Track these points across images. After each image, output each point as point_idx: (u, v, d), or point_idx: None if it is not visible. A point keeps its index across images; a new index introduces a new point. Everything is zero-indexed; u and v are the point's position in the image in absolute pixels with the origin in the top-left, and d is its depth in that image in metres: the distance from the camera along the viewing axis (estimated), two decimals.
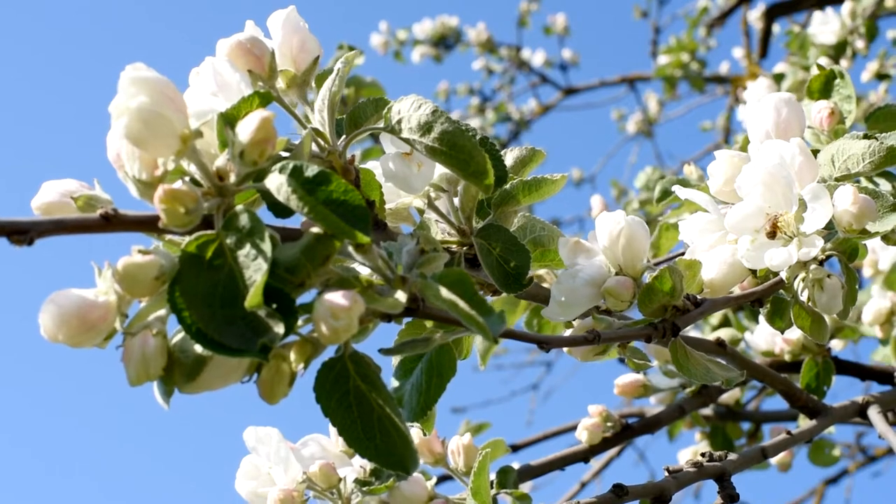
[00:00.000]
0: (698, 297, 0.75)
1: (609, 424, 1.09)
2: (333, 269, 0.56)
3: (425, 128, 0.64)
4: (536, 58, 4.33)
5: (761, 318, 0.81)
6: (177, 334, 0.55)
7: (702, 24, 3.87)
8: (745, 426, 1.41)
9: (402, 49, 3.83)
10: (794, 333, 1.15)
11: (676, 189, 0.80)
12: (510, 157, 0.76)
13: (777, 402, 1.45)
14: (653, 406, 1.31)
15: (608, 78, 4.23)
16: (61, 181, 0.62)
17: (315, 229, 0.55)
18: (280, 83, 0.69)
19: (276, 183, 0.54)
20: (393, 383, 0.69)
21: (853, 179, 0.79)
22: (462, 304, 0.53)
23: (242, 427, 0.76)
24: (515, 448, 1.36)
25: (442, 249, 0.59)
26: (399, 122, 0.65)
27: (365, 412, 0.56)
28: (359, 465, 0.81)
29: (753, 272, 0.77)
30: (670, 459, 1.38)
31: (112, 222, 0.53)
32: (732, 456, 0.89)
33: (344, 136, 0.69)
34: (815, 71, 0.96)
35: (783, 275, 0.74)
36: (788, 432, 0.98)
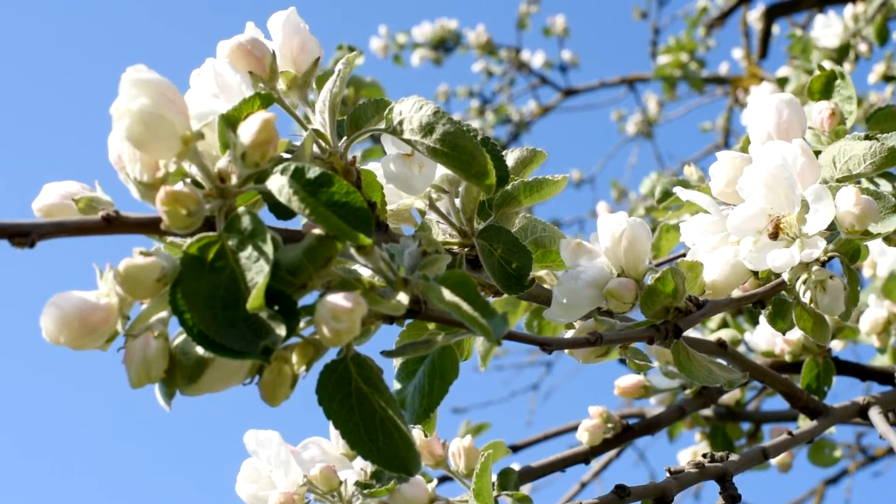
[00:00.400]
0: (700, 298, 0.75)
1: (609, 425, 1.09)
2: (335, 270, 0.56)
3: (427, 129, 0.64)
4: (536, 59, 4.33)
5: (761, 318, 0.81)
6: (178, 336, 0.55)
7: (701, 24, 3.87)
8: (746, 427, 1.41)
9: (401, 52, 3.82)
10: (795, 334, 1.15)
11: (678, 190, 0.80)
12: (511, 158, 0.76)
13: (777, 403, 1.45)
14: (653, 407, 1.31)
15: (608, 79, 4.24)
16: (62, 183, 0.62)
17: (317, 231, 0.55)
18: (281, 84, 0.69)
19: (278, 185, 0.54)
20: (395, 385, 0.69)
21: (855, 180, 0.79)
22: (465, 305, 0.53)
23: (243, 430, 0.76)
24: (515, 449, 1.36)
25: (444, 251, 0.58)
26: (400, 123, 0.65)
27: (367, 414, 0.56)
28: (359, 468, 0.81)
29: (755, 273, 0.77)
30: (670, 460, 1.38)
31: (113, 224, 0.53)
32: (734, 457, 0.89)
33: (345, 138, 0.69)
34: (817, 73, 0.96)
35: (785, 276, 0.74)
36: (789, 433, 0.98)
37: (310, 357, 0.56)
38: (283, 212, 0.58)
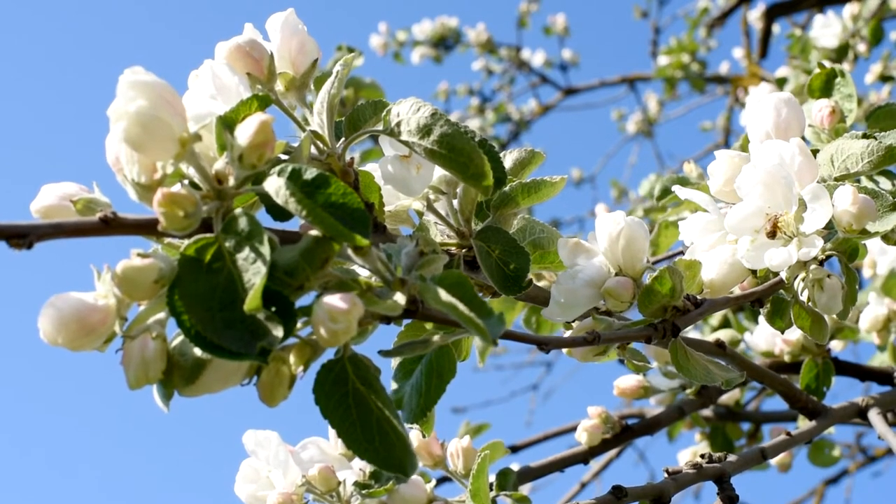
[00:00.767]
0: (698, 297, 0.75)
1: (608, 426, 1.09)
2: (332, 271, 0.56)
3: (424, 130, 0.64)
4: (536, 58, 4.33)
5: (761, 318, 0.81)
6: (176, 337, 0.55)
7: (702, 24, 3.87)
8: (745, 427, 1.41)
9: (401, 50, 3.83)
10: (794, 334, 1.15)
11: (676, 188, 0.80)
12: (509, 159, 0.76)
13: (777, 403, 1.45)
14: (652, 407, 1.31)
15: (608, 78, 4.23)
16: (60, 184, 0.62)
17: (314, 232, 0.55)
18: (279, 86, 0.69)
19: (275, 186, 0.54)
20: (392, 385, 0.69)
21: (853, 179, 0.79)
22: (461, 306, 0.53)
23: (242, 430, 0.77)
24: (515, 449, 1.36)
25: (441, 251, 0.59)
26: (398, 124, 0.65)
27: (364, 414, 0.56)
28: (358, 468, 0.81)
29: (753, 272, 0.77)
30: (670, 460, 1.38)
31: (111, 226, 0.53)
32: (732, 457, 0.89)
33: (343, 139, 0.69)
34: (816, 71, 0.96)
35: (783, 275, 0.74)
36: (788, 433, 0.98)
37: (307, 357, 0.56)
38: (280, 213, 0.59)
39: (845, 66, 1.91)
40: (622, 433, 1.10)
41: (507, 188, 0.73)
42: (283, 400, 0.56)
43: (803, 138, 0.78)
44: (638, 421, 1.15)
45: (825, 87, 0.96)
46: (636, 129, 4.49)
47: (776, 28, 3.54)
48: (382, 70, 5.00)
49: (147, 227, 0.54)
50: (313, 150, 0.67)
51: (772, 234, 0.72)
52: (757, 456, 0.92)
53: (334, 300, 0.52)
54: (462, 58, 4.13)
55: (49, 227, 0.52)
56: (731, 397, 1.35)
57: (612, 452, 1.47)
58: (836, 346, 1.30)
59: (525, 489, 0.96)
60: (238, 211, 0.55)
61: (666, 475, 0.84)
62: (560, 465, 1.08)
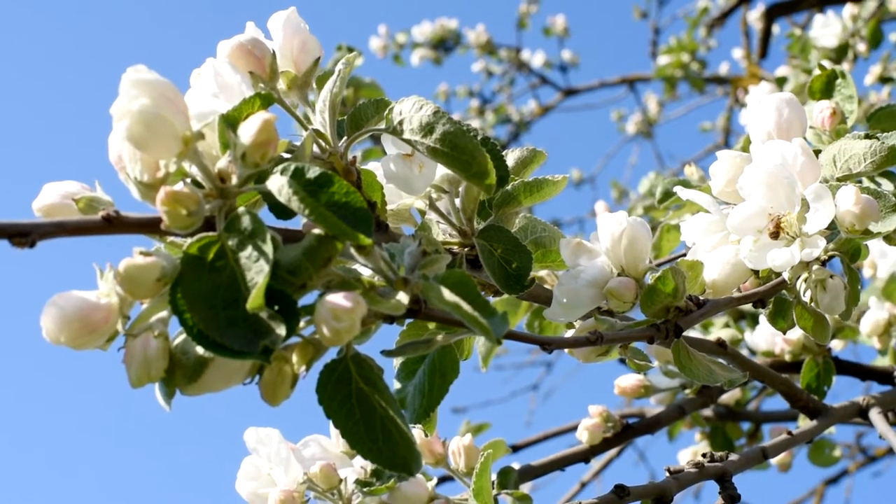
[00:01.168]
0: (700, 297, 0.75)
1: (609, 425, 1.09)
2: (335, 270, 0.56)
3: (427, 129, 0.64)
4: (536, 59, 4.33)
5: (762, 318, 0.81)
6: (178, 336, 0.55)
7: (702, 24, 3.87)
8: (746, 426, 1.41)
9: (401, 52, 3.82)
10: (795, 333, 1.15)
11: (678, 190, 0.80)
12: (511, 158, 0.76)
13: (777, 403, 1.45)
14: (653, 406, 1.31)
15: (608, 79, 4.24)
16: (63, 183, 0.62)
17: (317, 231, 0.55)
18: (281, 84, 0.69)
19: (278, 185, 0.54)
20: (395, 385, 0.69)
21: (855, 179, 0.79)
22: (465, 305, 0.53)
23: (243, 428, 0.76)
24: (516, 448, 1.36)
25: (444, 251, 0.59)
26: (400, 123, 0.65)
27: (367, 414, 0.56)
28: (359, 466, 0.81)
29: (756, 273, 0.77)
30: (670, 459, 1.38)
31: (114, 224, 0.53)
32: (733, 456, 0.89)
33: (345, 138, 0.69)
34: (816, 72, 0.96)
35: (786, 275, 0.74)
36: (789, 432, 0.98)
37: (310, 357, 0.56)
38: (282, 212, 0.58)
39: (845, 66, 1.91)
40: (623, 432, 1.10)
41: (509, 187, 0.73)
42: (286, 399, 0.56)
43: (805, 139, 0.78)
44: (638, 420, 1.15)
45: (826, 88, 0.96)
46: (636, 129, 4.49)
47: (776, 28, 3.54)
48: (382, 72, 4.99)
49: (150, 226, 0.54)
50: (316, 148, 0.67)
51: (774, 235, 0.72)
52: (758, 455, 0.92)
53: (337, 299, 0.52)
54: (462, 59, 4.13)
55: (51, 225, 0.52)
56: (731, 397, 1.35)
57: (613, 451, 1.47)
58: (836, 345, 1.30)
59: (526, 488, 0.96)
60: (241, 209, 0.55)
61: (668, 474, 0.85)
62: (561, 463, 1.08)
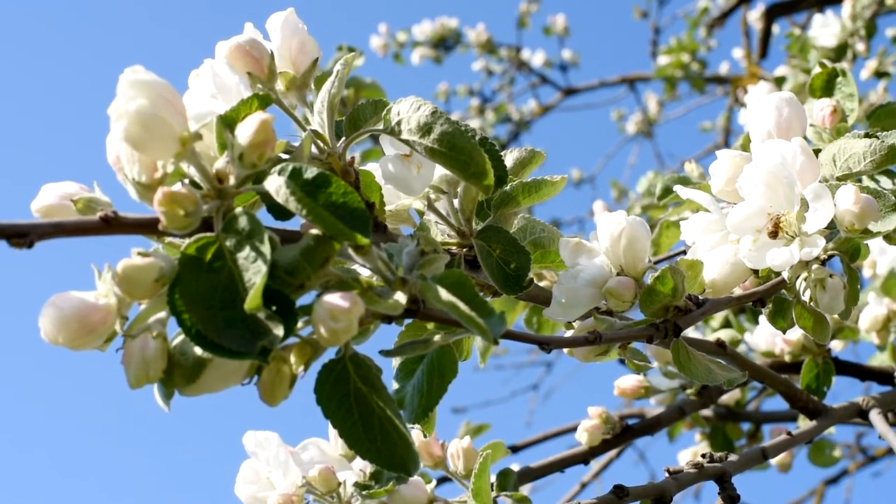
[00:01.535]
0: (700, 297, 0.74)
1: (609, 425, 1.09)
2: (333, 270, 0.56)
3: (425, 129, 0.64)
4: (536, 58, 4.34)
5: (762, 318, 0.81)
6: (177, 336, 0.55)
7: (702, 24, 3.87)
8: (746, 427, 1.40)
9: (401, 51, 3.83)
10: (795, 334, 1.15)
11: (678, 188, 0.80)
12: (510, 158, 0.76)
13: (777, 403, 1.45)
14: (653, 407, 1.31)
15: (608, 78, 4.24)
16: (61, 184, 0.62)
17: (315, 231, 0.55)
18: (279, 85, 0.69)
19: (276, 185, 0.54)
20: (394, 385, 0.69)
21: (855, 178, 0.79)
22: (462, 305, 0.53)
23: (242, 431, 0.76)
24: (515, 449, 1.36)
25: (442, 251, 0.58)
26: (398, 123, 0.65)
27: (365, 414, 0.56)
28: (358, 469, 0.81)
29: (755, 272, 0.77)
30: (670, 460, 1.38)
31: (112, 225, 0.53)
32: (733, 457, 0.89)
33: (343, 138, 0.69)
34: (817, 70, 0.96)
35: (785, 275, 0.74)
36: (788, 433, 0.98)
37: (308, 357, 0.56)
38: (280, 212, 0.59)
39: (844, 66, 1.91)
40: (622, 433, 1.10)
41: (507, 187, 0.72)
42: (284, 399, 0.56)
43: (805, 138, 0.78)
44: (638, 421, 1.15)
45: (826, 86, 0.96)
46: (636, 129, 4.49)
47: (776, 28, 3.54)
48: (382, 71, 4.99)
49: (148, 227, 0.54)
50: (314, 149, 0.67)
51: (774, 234, 0.71)
52: (758, 456, 0.92)
53: (335, 299, 0.52)
54: (462, 58, 4.13)
55: (50, 226, 0.52)
56: (731, 397, 1.35)
57: (613, 452, 1.47)
58: (836, 345, 1.30)
59: (525, 489, 0.96)
60: (239, 210, 0.55)
61: (667, 475, 0.84)
62: (560, 465, 1.08)
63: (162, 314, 0.55)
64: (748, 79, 3.36)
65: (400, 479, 0.77)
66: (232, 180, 0.56)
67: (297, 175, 0.54)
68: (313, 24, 0.71)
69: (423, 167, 0.69)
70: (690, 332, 0.79)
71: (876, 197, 0.72)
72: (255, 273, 0.52)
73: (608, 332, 0.70)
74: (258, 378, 0.56)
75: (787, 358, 1.19)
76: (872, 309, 1.26)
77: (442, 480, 0.94)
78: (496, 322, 0.53)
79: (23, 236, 0.50)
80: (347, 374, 0.56)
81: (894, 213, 0.73)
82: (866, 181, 0.83)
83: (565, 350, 0.72)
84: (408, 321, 0.64)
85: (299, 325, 0.54)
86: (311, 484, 0.78)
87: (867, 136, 0.80)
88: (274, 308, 0.53)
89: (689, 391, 1.18)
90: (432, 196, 0.73)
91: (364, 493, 0.78)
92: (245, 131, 0.55)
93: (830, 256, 0.74)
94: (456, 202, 0.72)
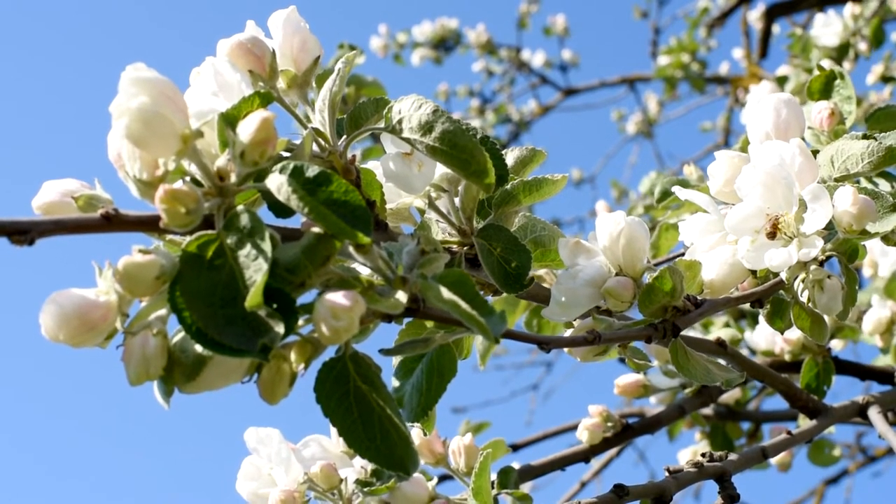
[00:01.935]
0: (698, 297, 0.75)
1: (609, 424, 1.09)
2: (334, 269, 0.56)
3: (426, 127, 0.64)
4: (536, 59, 4.33)
5: (761, 318, 0.81)
6: (177, 334, 0.55)
7: (702, 24, 3.87)
8: (745, 426, 1.41)
9: (401, 52, 3.82)
10: (794, 333, 1.15)
11: (676, 190, 0.80)
12: (511, 157, 0.76)
13: (777, 402, 1.45)
14: (653, 406, 1.31)
15: (608, 78, 4.23)
16: (62, 181, 0.62)
17: (315, 229, 0.55)
18: (281, 83, 0.69)
19: (277, 183, 0.54)
20: (393, 383, 0.69)
21: (853, 180, 0.79)
22: (463, 304, 0.53)
23: (243, 428, 0.77)
24: (515, 448, 1.36)
25: (442, 250, 0.59)
26: (400, 121, 0.65)
27: (365, 413, 0.56)
28: (360, 466, 0.81)
29: (753, 273, 0.77)
30: (670, 459, 1.38)
31: (113, 222, 0.54)
32: (733, 456, 0.89)
33: (345, 136, 0.69)
34: (816, 72, 0.96)
35: (783, 275, 0.74)
36: (788, 432, 0.98)
37: (308, 355, 0.56)
38: (281, 210, 0.59)
39: (846, 66, 1.91)
40: (623, 432, 1.10)
41: (508, 186, 0.73)
42: (284, 397, 0.56)
43: (803, 139, 0.78)
44: (638, 420, 1.15)
45: (824, 88, 0.96)
46: (636, 129, 4.48)
47: (776, 28, 3.54)
48: (383, 72, 4.99)
49: (148, 224, 0.54)
50: (315, 147, 0.67)
51: (772, 235, 0.72)
52: (758, 455, 0.93)
53: (336, 297, 0.52)
54: (462, 59, 4.13)
55: (50, 223, 0.52)
56: (731, 396, 1.35)
57: (613, 451, 1.47)
58: (836, 345, 1.30)
59: (526, 487, 0.96)
60: (240, 208, 0.55)
61: (667, 474, 0.85)
62: (561, 463, 1.08)
63: (162, 311, 0.55)
64: (748, 79, 3.36)
65: (401, 477, 0.77)
66: (233, 178, 0.56)
67: (299, 173, 0.54)
68: (313, 25, 0.72)
69: (424, 165, 0.69)
70: (690, 331, 0.79)
71: (874, 198, 0.72)
72: (255, 271, 0.52)
73: (607, 332, 0.70)
74: (258, 376, 0.56)
75: (787, 357, 1.19)
76: (876, 312, 1.26)
77: (443, 478, 0.94)
78: (497, 321, 0.53)
79: (23, 233, 0.50)
80: (347, 373, 0.56)
81: (892, 214, 0.73)
82: (864, 182, 0.83)
83: (565, 350, 0.72)
84: (408, 320, 0.64)
85: (300, 323, 0.55)
86: (313, 480, 0.78)
87: (865, 137, 0.80)
88: (274, 306, 0.53)
89: (688, 390, 1.18)
90: (433, 194, 0.73)
91: (365, 489, 0.78)
92: (246, 129, 0.55)
93: (829, 257, 0.74)
94: (457, 200, 0.72)
